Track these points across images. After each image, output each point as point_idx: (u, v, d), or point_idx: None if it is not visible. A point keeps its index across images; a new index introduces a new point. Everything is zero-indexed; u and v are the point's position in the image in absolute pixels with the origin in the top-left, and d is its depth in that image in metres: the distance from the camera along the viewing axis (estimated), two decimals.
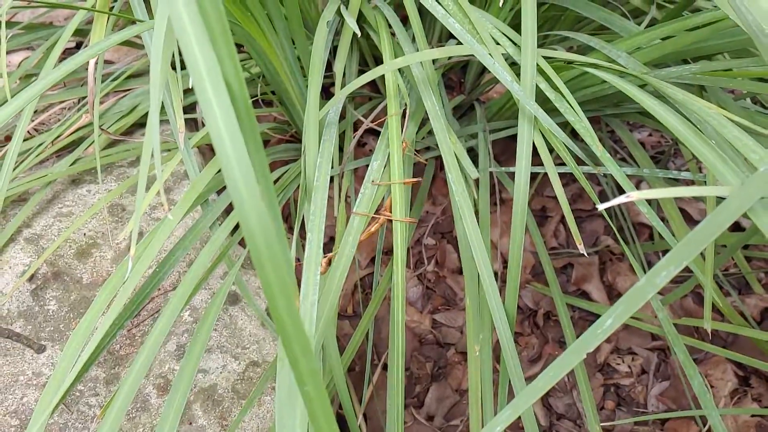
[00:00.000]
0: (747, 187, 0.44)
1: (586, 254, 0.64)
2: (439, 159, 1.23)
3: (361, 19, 1.00)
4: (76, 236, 0.96)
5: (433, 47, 1.02)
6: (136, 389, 0.63)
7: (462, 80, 1.33)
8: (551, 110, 0.72)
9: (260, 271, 0.34)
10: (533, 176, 1.16)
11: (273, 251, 0.36)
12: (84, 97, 1.17)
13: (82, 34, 1.30)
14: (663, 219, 0.95)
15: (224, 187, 0.99)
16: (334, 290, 0.70)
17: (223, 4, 0.83)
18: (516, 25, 1.15)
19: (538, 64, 0.70)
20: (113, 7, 1.10)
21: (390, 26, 0.90)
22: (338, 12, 0.91)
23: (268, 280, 0.34)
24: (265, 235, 0.36)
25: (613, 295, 1.10)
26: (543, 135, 0.68)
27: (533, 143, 0.68)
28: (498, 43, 0.73)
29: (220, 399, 0.82)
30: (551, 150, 0.71)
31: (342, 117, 1.11)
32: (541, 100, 0.72)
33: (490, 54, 0.69)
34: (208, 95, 0.37)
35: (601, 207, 0.44)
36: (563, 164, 0.73)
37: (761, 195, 0.44)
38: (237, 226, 0.98)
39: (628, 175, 0.69)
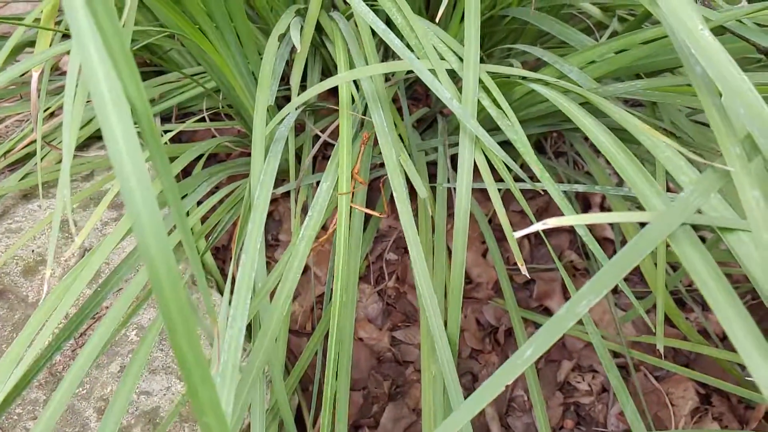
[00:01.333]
0: (668, 213, 0.42)
1: (527, 275, 0.63)
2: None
3: (322, 30, 0.99)
4: (23, 253, 0.94)
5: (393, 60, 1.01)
6: (57, 416, 0.61)
7: (428, 92, 1.31)
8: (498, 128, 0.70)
9: (157, 292, 0.33)
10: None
11: (171, 273, 0.34)
12: (45, 109, 1.15)
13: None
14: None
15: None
16: (278, 312, 0.69)
17: (168, 16, 0.81)
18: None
19: (483, 80, 0.69)
20: (61, 20, 1.08)
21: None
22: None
23: (163, 297, 0.32)
24: (161, 253, 0.34)
25: None
26: (484, 153, 0.66)
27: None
28: (443, 58, 0.72)
29: (162, 422, 0.80)
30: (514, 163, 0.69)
31: (303, 130, 1.10)
32: (490, 116, 0.70)
33: (431, 69, 0.67)
34: (107, 112, 0.35)
35: (516, 235, 0.42)
36: (523, 180, 0.72)
37: (683, 221, 0.42)
38: (180, 243, 0.96)
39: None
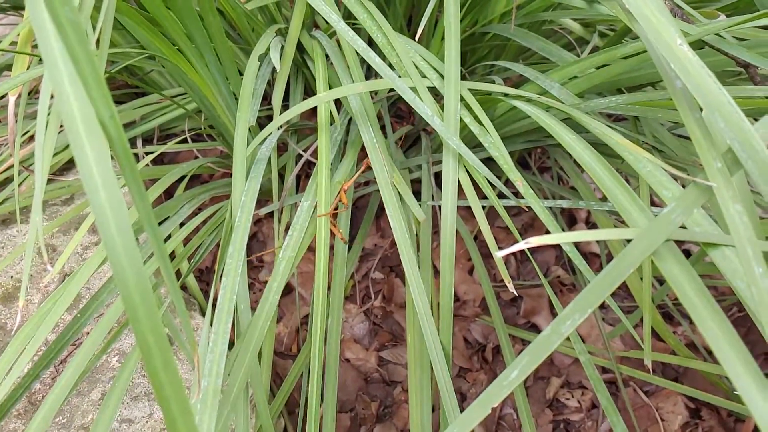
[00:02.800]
0: (651, 230, 0.42)
1: (515, 293, 0.62)
2: None
3: (304, 50, 0.98)
4: (2, 279, 0.92)
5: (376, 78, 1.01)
6: None
7: (411, 110, 1.31)
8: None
9: (134, 323, 0.32)
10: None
11: (147, 304, 0.33)
12: (24, 133, 1.13)
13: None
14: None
15: (159, 224, 0.96)
16: (258, 334, 0.67)
17: (147, 37, 0.81)
18: (460, 55, 1.14)
19: (464, 98, 0.69)
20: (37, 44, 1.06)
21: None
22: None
23: (140, 328, 0.31)
24: (138, 284, 0.33)
25: None
26: (468, 170, 0.66)
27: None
28: (425, 76, 0.72)
29: None
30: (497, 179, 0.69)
31: (287, 149, 1.09)
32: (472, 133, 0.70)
33: (412, 88, 0.67)
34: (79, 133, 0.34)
35: (499, 254, 0.42)
36: (506, 197, 0.71)
37: (665, 237, 0.42)
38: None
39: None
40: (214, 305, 0.63)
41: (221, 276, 0.67)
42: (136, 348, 0.79)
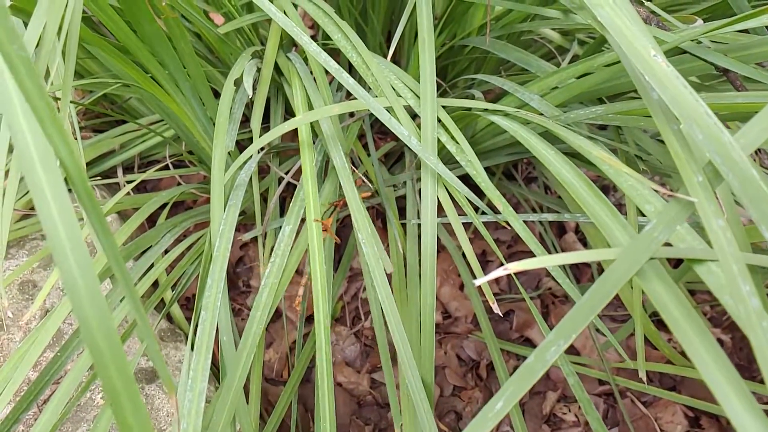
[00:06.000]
0: (633, 249, 0.41)
1: (500, 313, 0.61)
2: (373, 208, 1.19)
3: (281, 71, 0.97)
4: None
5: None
6: None
7: None
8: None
9: (103, 378, 0.30)
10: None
11: (114, 352, 0.32)
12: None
13: None
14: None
15: (142, 253, 0.94)
16: (241, 368, 0.66)
17: (118, 66, 0.79)
18: (441, 68, 1.13)
19: (440, 117, 0.67)
20: None
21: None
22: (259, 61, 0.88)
23: (109, 381, 0.30)
24: (105, 338, 0.31)
25: None
26: (447, 188, 0.64)
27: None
28: (400, 95, 0.70)
29: None
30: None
31: (269, 172, 1.08)
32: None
33: (388, 108, 0.66)
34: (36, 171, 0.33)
35: (477, 282, 0.40)
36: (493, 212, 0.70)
37: (648, 256, 0.41)
38: (147, 293, 0.93)
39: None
40: (194, 335, 0.61)
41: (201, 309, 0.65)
42: None
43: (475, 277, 1.05)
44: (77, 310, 0.30)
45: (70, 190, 0.47)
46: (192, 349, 0.61)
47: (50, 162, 0.33)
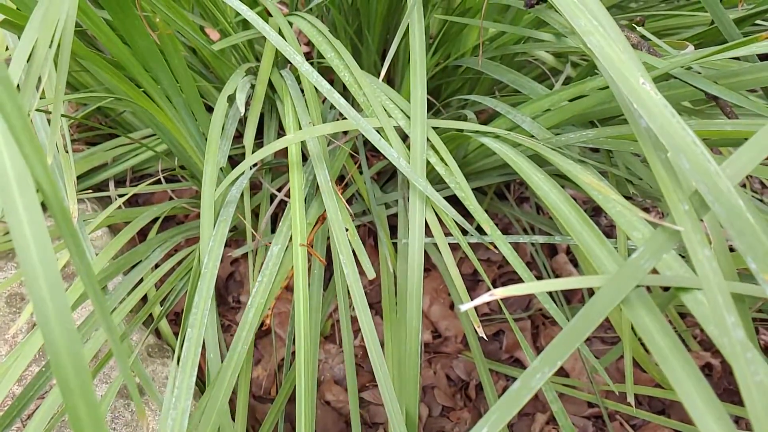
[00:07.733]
0: (619, 277, 0.41)
1: (485, 337, 0.60)
2: (365, 226, 1.19)
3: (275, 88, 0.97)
4: None
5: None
6: None
7: None
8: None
9: (70, 412, 0.30)
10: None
11: (85, 390, 0.31)
12: None
13: None
14: None
15: (132, 267, 0.94)
16: (226, 386, 0.65)
17: (111, 81, 0.79)
18: (434, 88, 1.13)
19: (430, 138, 0.67)
20: None
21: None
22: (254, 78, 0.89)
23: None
24: (75, 372, 0.31)
25: None
26: (435, 210, 0.64)
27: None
28: (391, 116, 0.71)
29: None
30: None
31: (261, 188, 1.08)
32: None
33: (378, 129, 0.66)
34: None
35: (464, 308, 0.40)
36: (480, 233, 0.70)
37: (634, 284, 0.41)
38: (135, 308, 0.93)
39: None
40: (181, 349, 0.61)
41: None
42: (105, 398, 0.77)
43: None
44: (48, 343, 0.30)
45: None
46: (178, 365, 0.61)
47: (27, 184, 0.33)
